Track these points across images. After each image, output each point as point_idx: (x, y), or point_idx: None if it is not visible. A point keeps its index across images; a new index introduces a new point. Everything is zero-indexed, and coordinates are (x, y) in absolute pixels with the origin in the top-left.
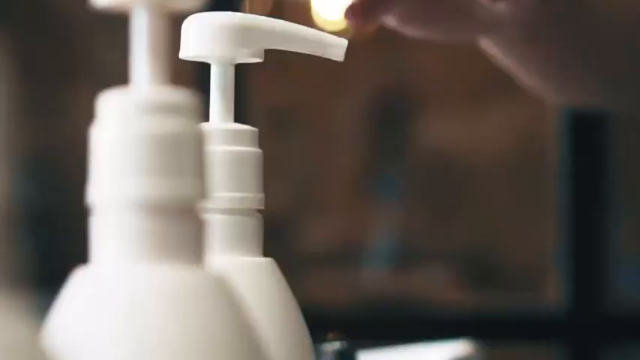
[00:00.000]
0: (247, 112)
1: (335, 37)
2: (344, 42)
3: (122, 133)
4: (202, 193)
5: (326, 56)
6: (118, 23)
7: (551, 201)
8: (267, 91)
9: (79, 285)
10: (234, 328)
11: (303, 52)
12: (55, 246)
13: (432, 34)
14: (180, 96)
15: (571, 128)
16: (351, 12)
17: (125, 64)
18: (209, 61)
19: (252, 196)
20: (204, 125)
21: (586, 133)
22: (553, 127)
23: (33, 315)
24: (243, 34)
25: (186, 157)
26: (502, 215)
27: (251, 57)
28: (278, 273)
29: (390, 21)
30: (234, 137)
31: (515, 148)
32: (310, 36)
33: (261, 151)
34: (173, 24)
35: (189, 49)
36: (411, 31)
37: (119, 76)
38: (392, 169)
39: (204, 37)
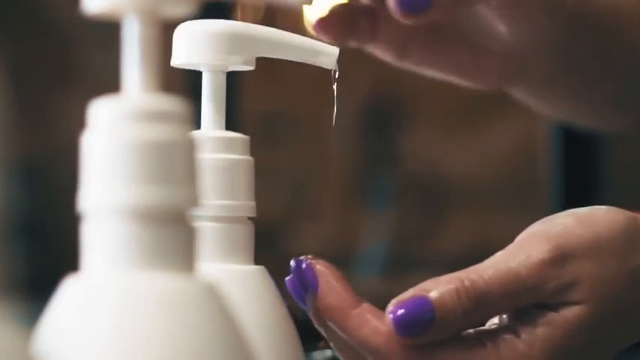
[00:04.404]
0: (239, 119)
1: (326, 45)
2: (335, 50)
3: (113, 141)
4: (193, 200)
5: (317, 64)
6: (110, 30)
7: (542, 209)
8: (259, 97)
9: (69, 292)
10: (224, 335)
11: (295, 60)
12: (46, 253)
13: (440, 73)
14: (172, 103)
15: (562, 143)
16: (319, 26)
17: (118, 71)
18: (201, 69)
19: (243, 204)
20: (196, 133)
21: (577, 149)
22: (544, 141)
23: (23, 322)
24: (234, 42)
25: (177, 164)
26: (493, 223)
27: (242, 65)
28: (269, 281)
29: (384, 52)
30: (226, 145)
31: (507, 155)
32: (301, 44)
33: (252, 158)
34: (165, 31)
35: (181, 57)
36: (410, 65)
37: (112, 84)
38: (384, 177)
39: (196, 45)
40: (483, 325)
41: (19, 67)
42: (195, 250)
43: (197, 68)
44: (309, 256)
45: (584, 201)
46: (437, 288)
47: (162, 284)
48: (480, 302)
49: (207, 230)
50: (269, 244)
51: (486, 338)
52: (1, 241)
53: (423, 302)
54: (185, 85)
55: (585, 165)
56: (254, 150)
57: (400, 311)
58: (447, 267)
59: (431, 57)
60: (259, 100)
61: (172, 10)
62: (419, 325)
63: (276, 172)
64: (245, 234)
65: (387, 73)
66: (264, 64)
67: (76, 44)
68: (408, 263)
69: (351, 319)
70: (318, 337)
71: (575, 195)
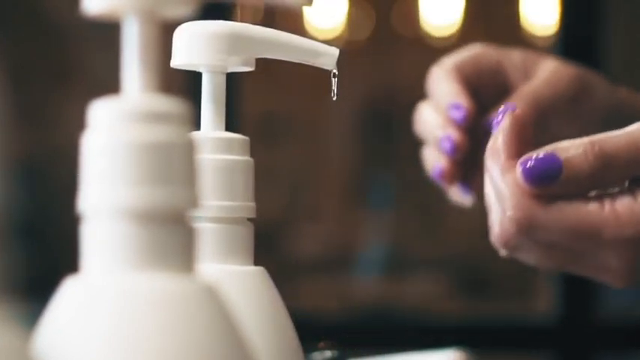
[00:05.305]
0: (238, 119)
1: (326, 46)
2: (335, 51)
3: (113, 142)
4: (193, 201)
5: (317, 65)
6: (110, 31)
7: None
8: (259, 98)
9: (69, 293)
10: (224, 336)
11: (295, 60)
12: (46, 253)
13: None
14: (171, 104)
15: None
16: (441, 176)
17: (118, 71)
18: (200, 70)
19: (243, 205)
20: (196, 134)
21: None
22: None
23: (23, 323)
24: (234, 43)
25: (176, 165)
26: None
27: (242, 65)
28: (269, 281)
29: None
30: (226, 146)
31: None
32: (301, 45)
33: (252, 159)
34: (165, 32)
35: (181, 58)
36: None
37: (112, 84)
38: (383, 177)
39: (196, 46)
40: None
41: (19, 67)
42: (195, 250)
43: (197, 69)
44: (517, 105)
45: None
46: (567, 147)
47: (162, 284)
48: (606, 163)
49: (207, 231)
50: (269, 245)
51: (605, 198)
52: (1, 241)
53: (552, 157)
54: (185, 85)
55: None
56: (254, 151)
57: (530, 162)
58: (447, 267)
59: None
60: (259, 101)
61: (172, 11)
62: (545, 176)
63: (276, 173)
64: (245, 235)
65: (387, 73)
66: (264, 65)
67: (76, 44)
68: (408, 263)
69: (501, 164)
70: (318, 337)
71: None
